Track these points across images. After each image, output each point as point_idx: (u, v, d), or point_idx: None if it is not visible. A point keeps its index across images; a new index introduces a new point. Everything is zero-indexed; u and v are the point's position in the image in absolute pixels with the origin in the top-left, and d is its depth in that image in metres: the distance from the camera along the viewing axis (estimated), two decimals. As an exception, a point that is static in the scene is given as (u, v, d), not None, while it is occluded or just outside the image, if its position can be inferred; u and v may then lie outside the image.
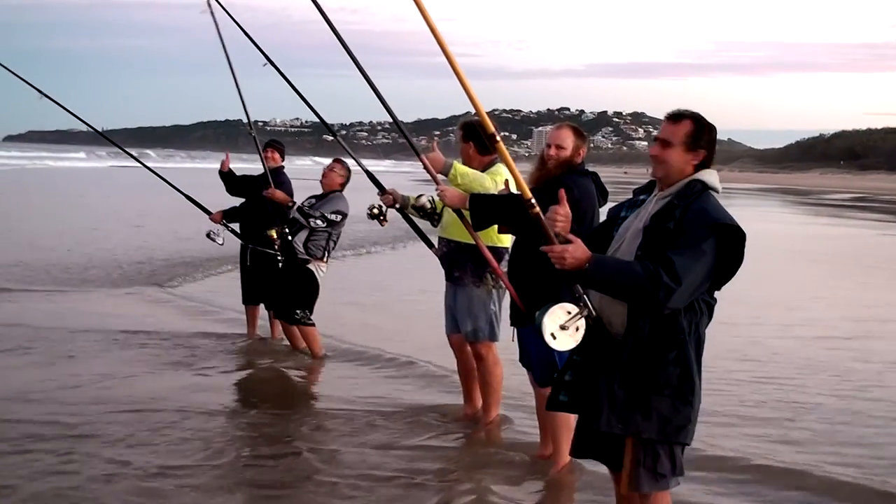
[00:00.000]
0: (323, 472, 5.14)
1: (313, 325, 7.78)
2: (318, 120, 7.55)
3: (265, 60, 7.12)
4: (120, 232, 18.07)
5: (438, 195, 5.24)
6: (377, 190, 6.03)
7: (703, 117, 3.55)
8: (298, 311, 7.69)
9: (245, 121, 8.27)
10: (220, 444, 5.55)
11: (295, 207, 7.60)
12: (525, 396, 6.48)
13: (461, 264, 5.80)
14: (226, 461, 5.25)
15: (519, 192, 3.60)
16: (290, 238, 7.62)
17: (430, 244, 6.13)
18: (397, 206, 5.94)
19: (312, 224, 7.53)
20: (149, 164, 9.64)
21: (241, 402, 6.80)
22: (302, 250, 7.62)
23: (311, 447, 5.64)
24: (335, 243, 7.82)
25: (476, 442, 5.87)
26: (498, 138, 3.80)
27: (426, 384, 7.32)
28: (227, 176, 8.60)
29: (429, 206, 5.68)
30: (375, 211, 6.21)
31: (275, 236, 7.81)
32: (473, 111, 3.71)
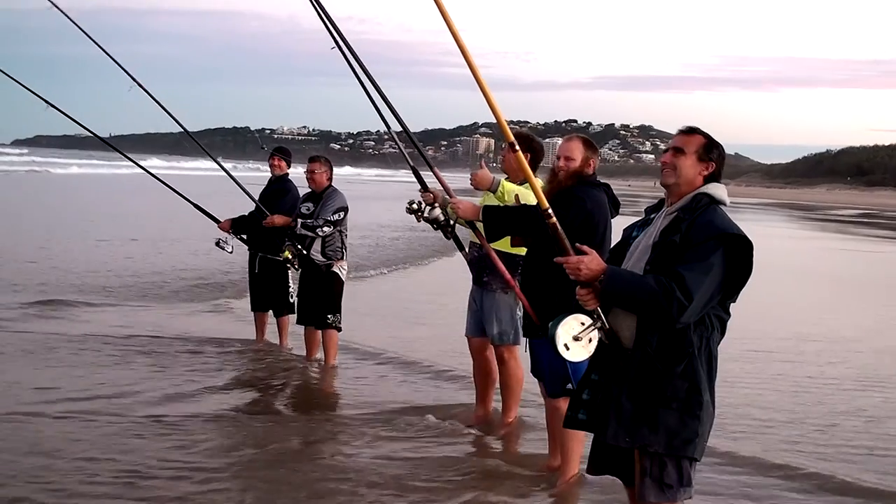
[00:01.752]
0: (327, 479, 5.14)
1: (340, 329, 7.83)
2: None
3: (333, 44, 6.88)
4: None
5: (452, 208, 5.31)
6: (419, 187, 6.08)
7: (712, 136, 3.65)
8: (330, 316, 7.74)
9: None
10: (229, 449, 5.59)
11: (300, 224, 7.64)
12: (532, 404, 6.55)
13: (492, 270, 5.89)
14: (234, 466, 5.30)
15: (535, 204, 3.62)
16: (305, 252, 7.68)
17: (461, 247, 6.22)
18: (436, 205, 6.03)
19: (321, 233, 7.61)
20: (161, 172, 9.59)
21: (251, 407, 6.80)
22: (323, 259, 7.71)
23: (315, 454, 5.68)
24: (346, 236, 7.88)
25: (483, 451, 5.88)
26: (517, 147, 3.89)
27: (439, 387, 7.43)
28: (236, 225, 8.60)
29: (442, 218, 5.74)
30: (415, 206, 6.30)
31: (291, 257, 7.81)
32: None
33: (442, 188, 5.62)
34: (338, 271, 7.78)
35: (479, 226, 5.27)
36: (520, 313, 6.00)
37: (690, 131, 3.63)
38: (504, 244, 5.59)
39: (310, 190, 7.95)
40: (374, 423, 6.31)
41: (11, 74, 8.11)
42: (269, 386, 7.40)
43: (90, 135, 8.93)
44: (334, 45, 6.18)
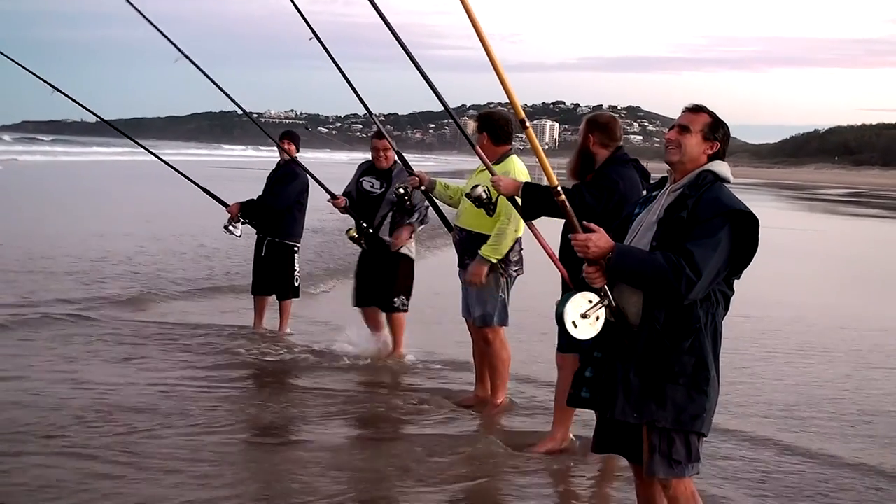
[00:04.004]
0: (324, 463, 5.14)
1: (406, 311, 7.59)
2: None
3: (311, 35, 6.72)
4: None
5: (493, 185, 5.36)
6: (406, 171, 6.09)
7: (717, 115, 3.68)
8: (396, 300, 7.49)
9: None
10: (221, 438, 5.56)
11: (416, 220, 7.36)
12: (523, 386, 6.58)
13: (473, 253, 5.97)
14: (209, 445, 5.30)
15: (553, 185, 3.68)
16: (370, 231, 7.45)
17: (449, 227, 6.24)
18: (423, 187, 6.04)
19: (418, 227, 7.41)
20: (165, 158, 9.38)
21: (248, 395, 6.80)
22: (391, 239, 7.43)
23: (313, 436, 5.69)
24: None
25: (486, 431, 5.90)
26: (528, 124, 3.87)
27: (437, 371, 7.45)
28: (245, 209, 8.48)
29: (484, 196, 5.76)
30: (402, 191, 6.31)
31: (357, 236, 7.52)
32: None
33: (485, 165, 5.64)
34: (407, 251, 7.52)
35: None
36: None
37: (697, 109, 3.66)
38: (477, 224, 5.70)
39: (369, 164, 7.65)
40: (368, 408, 6.33)
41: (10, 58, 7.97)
42: (262, 369, 7.33)
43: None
44: (312, 36, 6.17)
